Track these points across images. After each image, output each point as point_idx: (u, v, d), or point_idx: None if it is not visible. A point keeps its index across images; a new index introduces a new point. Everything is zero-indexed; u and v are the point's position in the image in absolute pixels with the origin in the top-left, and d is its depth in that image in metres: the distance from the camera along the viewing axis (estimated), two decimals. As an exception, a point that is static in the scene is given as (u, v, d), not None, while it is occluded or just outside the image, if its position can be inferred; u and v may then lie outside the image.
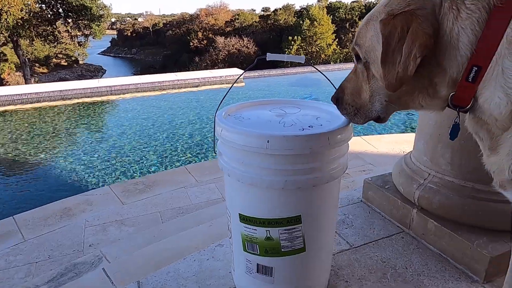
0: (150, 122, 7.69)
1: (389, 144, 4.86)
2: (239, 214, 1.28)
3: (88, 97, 9.23)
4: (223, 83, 10.63)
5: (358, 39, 1.01)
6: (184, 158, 5.87)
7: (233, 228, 1.35)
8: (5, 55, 23.90)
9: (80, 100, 9.10)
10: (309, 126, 1.21)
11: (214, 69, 29.40)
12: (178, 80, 10.24)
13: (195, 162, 5.70)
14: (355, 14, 33.00)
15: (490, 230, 1.58)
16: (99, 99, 9.32)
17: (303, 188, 1.17)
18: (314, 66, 1.57)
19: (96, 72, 39.19)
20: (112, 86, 9.49)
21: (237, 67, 30.63)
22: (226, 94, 1.41)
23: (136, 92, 9.68)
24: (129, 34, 48.20)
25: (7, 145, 6.72)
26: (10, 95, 8.66)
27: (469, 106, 0.88)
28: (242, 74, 1.41)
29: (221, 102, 1.38)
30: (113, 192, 3.68)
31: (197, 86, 10.32)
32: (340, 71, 13.38)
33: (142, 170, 5.33)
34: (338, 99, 1.13)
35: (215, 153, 1.35)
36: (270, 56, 1.29)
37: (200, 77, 10.53)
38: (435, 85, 0.91)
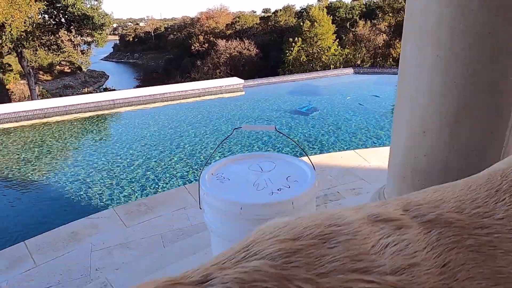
0: (152, 136, 7.93)
1: (383, 158, 5.01)
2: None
3: (92, 111, 9.50)
4: (223, 93, 10.85)
5: None
6: (185, 173, 6.08)
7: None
8: (10, 65, 24.35)
9: (84, 115, 9.38)
10: (278, 189, 1.42)
11: (216, 71, 29.62)
12: (179, 91, 10.47)
13: (196, 177, 5.91)
14: (355, 14, 33.13)
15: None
16: (101, 112, 9.59)
17: (273, 244, 1.37)
18: (281, 132, 1.76)
19: (99, 78, 39.63)
20: (115, 100, 9.75)
21: (239, 69, 30.72)
22: (216, 148, 1.62)
23: (138, 104, 9.94)
24: (131, 39, 48.60)
25: (13, 165, 6.98)
26: (15, 112, 8.95)
27: None
28: (221, 142, 1.62)
29: (209, 158, 1.58)
30: (117, 215, 3.90)
31: (198, 97, 10.55)
32: (338, 77, 13.56)
33: (145, 188, 5.55)
34: None
35: (201, 208, 1.56)
36: (244, 127, 1.49)
37: (201, 87, 10.76)
38: None
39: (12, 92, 24.53)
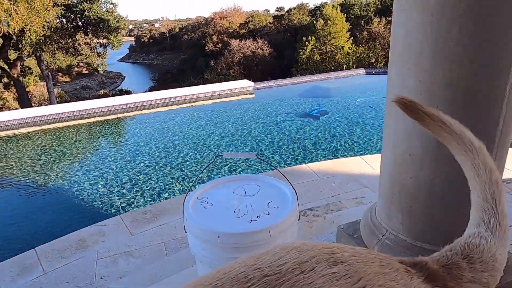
0: (161, 140, 8.06)
1: (388, 164, 4.97)
2: (205, 285, 1.54)
3: (106, 115, 9.73)
4: (233, 96, 10.92)
5: None
6: (193, 178, 6.17)
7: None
8: (30, 68, 25.10)
9: (96, 119, 9.62)
10: (257, 217, 1.45)
11: (229, 71, 29.70)
12: (190, 94, 10.61)
13: (202, 182, 5.99)
14: (370, 11, 32.65)
15: None
16: (113, 117, 9.81)
17: (251, 271, 1.41)
18: (262, 159, 1.79)
19: (115, 79, 40.45)
20: (127, 104, 9.95)
21: (252, 69, 30.58)
22: (200, 174, 1.67)
23: (150, 108, 10.12)
24: (146, 40, 49.29)
25: (25, 170, 7.23)
26: (30, 117, 9.24)
27: None
28: (204, 169, 1.67)
29: (193, 184, 1.64)
30: (123, 222, 4.01)
31: (208, 100, 10.65)
32: (350, 78, 13.43)
33: (153, 194, 5.67)
34: None
35: (185, 232, 1.61)
36: (225, 154, 1.53)
37: (211, 90, 10.86)
38: None
39: (33, 94, 25.30)
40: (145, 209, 4.33)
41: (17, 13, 18.20)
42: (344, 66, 20.95)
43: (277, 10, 48.01)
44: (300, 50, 27.98)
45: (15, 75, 21.04)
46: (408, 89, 1.69)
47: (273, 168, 1.64)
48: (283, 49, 32.19)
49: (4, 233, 4.83)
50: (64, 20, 23.37)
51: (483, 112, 1.58)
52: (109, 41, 24.08)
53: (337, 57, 26.91)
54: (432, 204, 1.74)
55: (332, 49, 27.90)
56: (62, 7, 21.15)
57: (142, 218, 4.07)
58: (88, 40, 25.16)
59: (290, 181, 1.65)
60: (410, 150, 1.74)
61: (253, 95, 11.10)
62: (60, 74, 36.53)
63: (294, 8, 36.43)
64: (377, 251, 2.00)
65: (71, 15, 22.85)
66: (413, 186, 1.78)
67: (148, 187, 5.90)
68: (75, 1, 22.52)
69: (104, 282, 3.11)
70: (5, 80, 25.07)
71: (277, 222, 1.40)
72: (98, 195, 5.74)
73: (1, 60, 21.12)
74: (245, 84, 11.57)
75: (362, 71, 14.03)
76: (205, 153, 7.08)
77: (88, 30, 23.86)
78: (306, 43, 27.96)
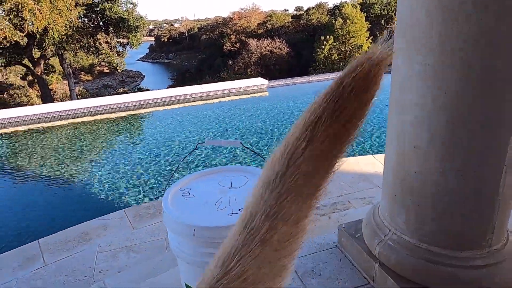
0: (173, 137, 8.05)
1: (402, 164, 4.76)
2: (185, 283, 1.43)
3: (120, 111, 9.82)
4: (247, 93, 10.82)
5: None
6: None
7: (183, 292, 1.50)
8: (53, 67, 25.80)
9: (110, 116, 9.72)
10: (239, 209, 1.33)
11: (247, 71, 29.66)
12: (203, 92, 10.57)
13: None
14: (391, 10, 31.97)
15: (440, 294, 1.61)
16: (127, 114, 9.89)
17: (231, 268, 1.29)
18: (247, 147, 1.67)
19: (135, 78, 41.15)
20: (141, 101, 10.02)
21: (270, 68, 30.45)
22: (184, 159, 1.57)
23: (162, 105, 10.14)
24: (166, 40, 49.90)
25: (37, 164, 7.34)
26: (47, 112, 9.43)
27: None
28: (184, 158, 1.56)
29: (172, 174, 1.53)
30: (126, 217, 3.97)
31: (222, 97, 10.60)
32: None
33: (160, 190, 5.63)
34: None
35: (164, 225, 1.51)
36: (207, 142, 1.42)
37: (224, 88, 10.80)
38: None
39: (55, 92, 26.01)
40: (149, 204, 4.28)
41: (41, 13, 18.69)
42: (363, 65, 20.52)
43: (296, 10, 47.69)
44: (318, 50, 27.65)
45: (39, 73, 21.64)
46: (415, 73, 1.53)
47: (260, 156, 1.50)
48: (301, 49, 31.93)
49: (12, 224, 4.90)
50: (85, 19, 23.88)
51: (507, 98, 1.40)
52: (129, 40, 24.45)
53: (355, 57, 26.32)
54: (440, 201, 1.57)
55: (351, 48, 27.45)
56: (84, 6, 21.62)
57: (145, 213, 4.01)
58: (109, 40, 25.64)
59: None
60: (415, 142, 1.58)
61: (266, 93, 10.97)
62: (82, 72, 37.48)
63: (313, 8, 36.06)
64: (379, 252, 1.85)
65: (92, 15, 23.32)
66: (419, 182, 1.62)
67: (155, 183, 5.87)
68: (97, 1, 22.97)
69: (102, 276, 3.06)
70: (30, 78, 25.90)
71: (260, 215, 1.27)
72: (104, 189, 5.75)
73: (26, 59, 21.76)
74: (258, 82, 11.45)
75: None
76: (213, 150, 7.01)
77: (109, 29, 24.29)
78: (325, 42, 27.61)
